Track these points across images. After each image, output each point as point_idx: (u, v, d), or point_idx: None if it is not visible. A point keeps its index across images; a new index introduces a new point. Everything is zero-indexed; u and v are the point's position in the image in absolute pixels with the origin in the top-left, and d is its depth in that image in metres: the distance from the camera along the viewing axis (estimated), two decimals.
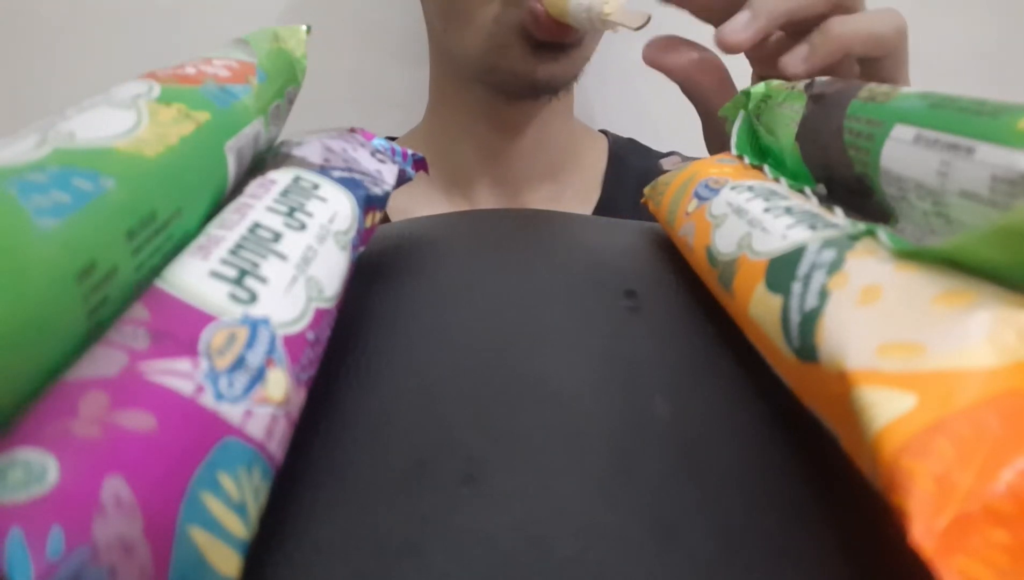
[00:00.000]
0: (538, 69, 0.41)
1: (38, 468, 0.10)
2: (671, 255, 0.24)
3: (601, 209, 0.50)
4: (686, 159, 0.52)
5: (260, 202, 0.17)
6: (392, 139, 0.55)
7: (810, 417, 0.14)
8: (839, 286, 0.14)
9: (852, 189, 0.20)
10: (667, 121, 0.58)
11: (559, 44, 0.40)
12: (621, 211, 0.48)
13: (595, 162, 0.52)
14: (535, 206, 0.49)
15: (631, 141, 0.55)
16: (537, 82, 0.42)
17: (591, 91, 0.62)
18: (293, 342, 0.15)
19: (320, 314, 0.16)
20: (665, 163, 0.52)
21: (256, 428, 0.13)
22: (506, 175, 0.49)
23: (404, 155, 0.25)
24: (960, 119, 0.15)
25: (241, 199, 0.17)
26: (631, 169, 0.51)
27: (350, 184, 0.20)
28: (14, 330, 0.10)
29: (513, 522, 0.14)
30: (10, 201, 0.11)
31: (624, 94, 0.62)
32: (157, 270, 0.14)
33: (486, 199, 0.50)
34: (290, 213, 0.17)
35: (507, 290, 0.21)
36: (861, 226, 0.16)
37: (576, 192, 0.51)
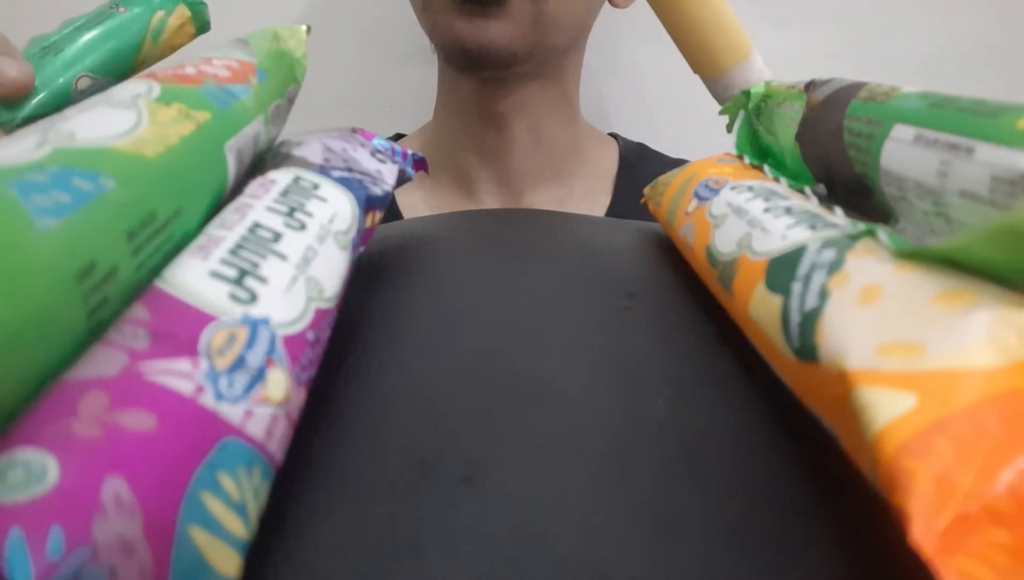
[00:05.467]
0: (457, 25, 0.41)
1: (38, 468, 0.10)
2: (671, 255, 0.24)
3: (612, 214, 0.50)
4: None
5: (260, 202, 0.17)
6: (401, 136, 0.55)
7: (810, 417, 0.14)
8: (839, 286, 0.14)
9: (852, 189, 0.20)
10: (676, 124, 0.58)
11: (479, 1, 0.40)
12: (633, 217, 0.48)
13: (604, 165, 0.52)
14: (540, 208, 0.49)
15: (641, 146, 0.55)
16: (467, 47, 0.41)
17: (603, 92, 0.62)
18: (293, 342, 0.15)
19: (320, 314, 0.16)
20: None
21: (256, 428, 0.13)
22: (507, 173, 0.49)
23: (404, 155, 0.25)
24: (960, 119, 0.15)
25: (241, 199, 0.17)
26: (644, 174, 0.51)
27: (350, 184, 0.20)
28: (14, 330, 0.10)
29: (513, 522, 0.14)
30: (10, 201, 0.11)
31: (634, 96, 0.62)
32: (157, 270, 0.14)
33: (491, 199, 0.50)
34: (290, 213, 0.17)
35: (507, 290, 0.21)
36: (861, 226, 0.16)
37: (584, 195, 0.50)
